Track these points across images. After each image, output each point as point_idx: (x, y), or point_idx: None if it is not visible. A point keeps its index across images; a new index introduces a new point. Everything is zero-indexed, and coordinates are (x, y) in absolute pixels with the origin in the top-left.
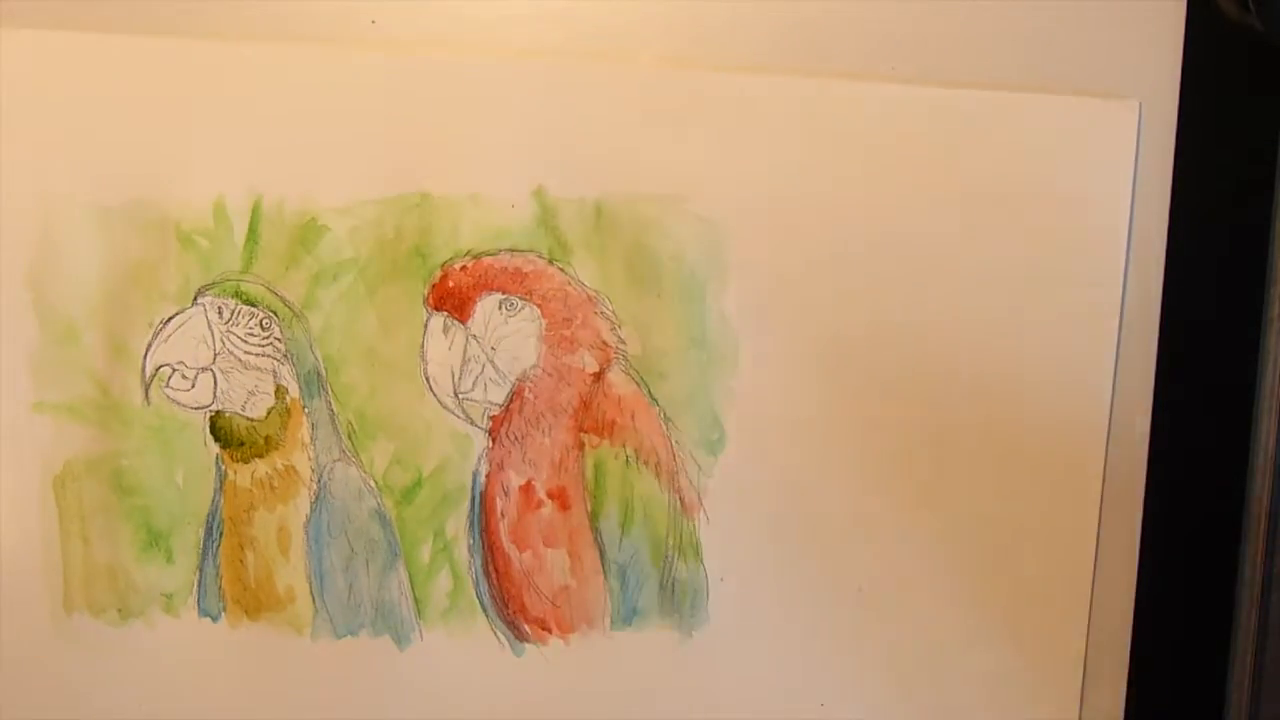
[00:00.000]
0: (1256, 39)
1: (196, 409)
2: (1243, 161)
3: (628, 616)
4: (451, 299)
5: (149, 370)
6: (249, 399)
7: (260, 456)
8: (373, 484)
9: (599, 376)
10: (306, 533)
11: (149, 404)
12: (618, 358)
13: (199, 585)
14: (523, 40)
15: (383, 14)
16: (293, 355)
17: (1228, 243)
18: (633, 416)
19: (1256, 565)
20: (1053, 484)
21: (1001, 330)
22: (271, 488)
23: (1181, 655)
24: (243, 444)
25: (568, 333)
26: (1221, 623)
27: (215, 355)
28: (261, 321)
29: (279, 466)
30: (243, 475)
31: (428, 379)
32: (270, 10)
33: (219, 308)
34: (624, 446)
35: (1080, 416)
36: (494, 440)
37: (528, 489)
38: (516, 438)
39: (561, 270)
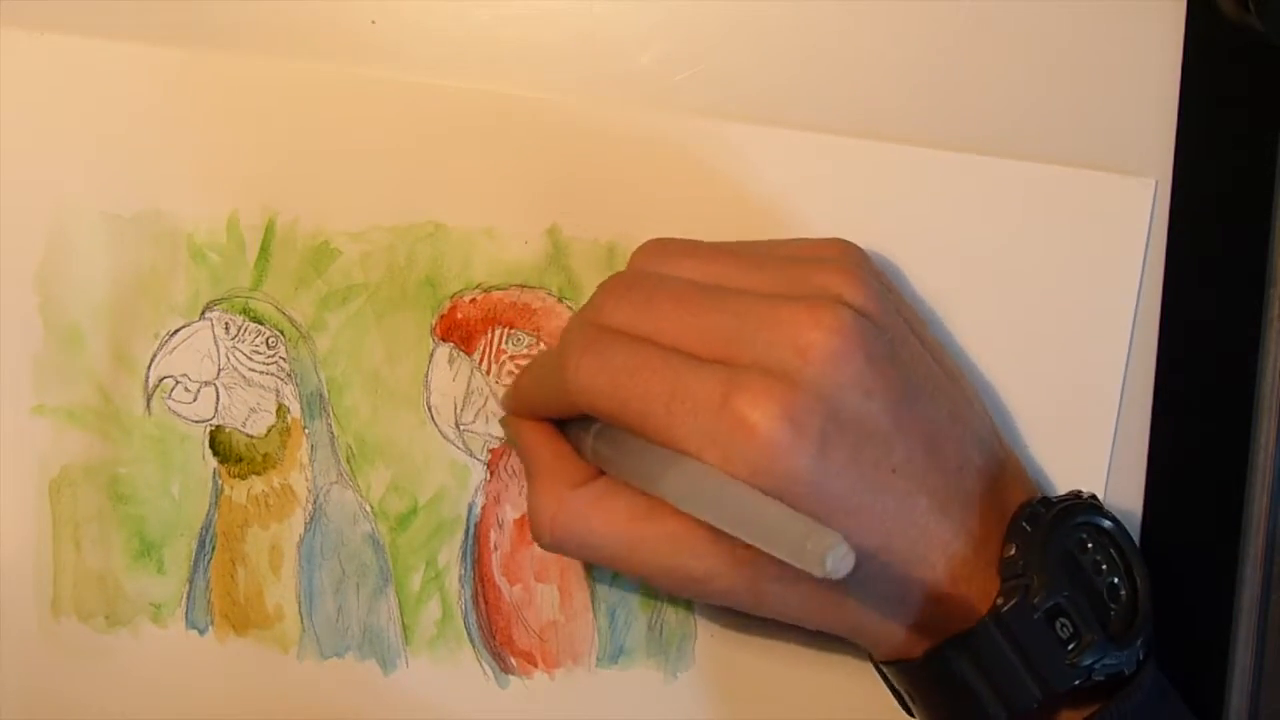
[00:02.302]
0: (1256, 39)
1: (197, 422)
2: (1243, 162)
3: (614, 655)
4: (459, 330)
5: (152, 381)
6: (250, 416)
7: (257, 474)
8: (368, 509)
9: None
10: (299, 553)
11: (150, 414)
12: None
13: (188, 598)
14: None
15: (382, 14)
16: (296, 375)
17: (1228, 243)
18: None
19: (1256, 565)
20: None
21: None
22: (267, 505)
23: (1181, 655)
24: (241, 460)
25: None
26: (1221, 623)
27: (219, 370)
28: (268, 340)
29: (275, 485)
30: (239, 491)
31: (430, 408)
32: (269, 7)
33: (226, 323)
34: None
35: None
36: (492, 473)
37: (522, 523)
38: (515, 472)
39: (570, 308)
